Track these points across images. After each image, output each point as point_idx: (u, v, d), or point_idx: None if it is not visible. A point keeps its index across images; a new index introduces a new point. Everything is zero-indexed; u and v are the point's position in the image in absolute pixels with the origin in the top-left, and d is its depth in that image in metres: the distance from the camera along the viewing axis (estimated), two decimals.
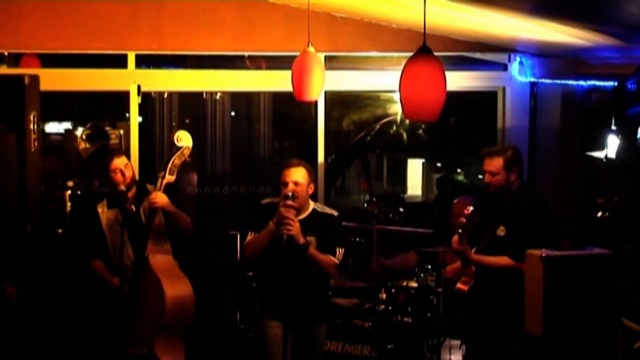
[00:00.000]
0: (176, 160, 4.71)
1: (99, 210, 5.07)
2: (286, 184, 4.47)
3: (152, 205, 4.69)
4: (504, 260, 4.52)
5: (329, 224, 4.59)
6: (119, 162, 4.97)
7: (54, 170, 6.50)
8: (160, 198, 4.70)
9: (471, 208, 4.65)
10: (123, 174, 4.97)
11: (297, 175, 4.48)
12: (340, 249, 4.57)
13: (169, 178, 4.72)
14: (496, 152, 4.67)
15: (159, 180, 4.73)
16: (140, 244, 4.71)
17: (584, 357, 4.26)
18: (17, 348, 5.12)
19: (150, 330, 4.61)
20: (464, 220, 4.61)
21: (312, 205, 4.63)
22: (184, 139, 4.71)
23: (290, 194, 4.41)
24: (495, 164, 4.61)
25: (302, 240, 4.39)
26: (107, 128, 6.40)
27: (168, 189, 4.81)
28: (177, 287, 4.63)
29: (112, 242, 4.99)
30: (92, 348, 5.24)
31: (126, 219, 4.94)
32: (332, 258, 4.53)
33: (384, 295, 5.64)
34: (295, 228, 4.33)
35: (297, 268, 4.48)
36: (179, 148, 4.69)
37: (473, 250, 4.65)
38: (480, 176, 5.93)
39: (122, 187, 4.94)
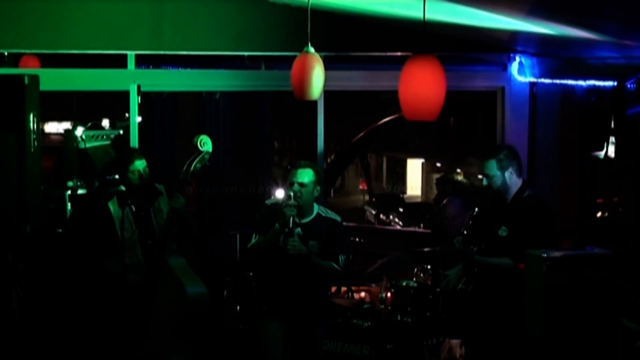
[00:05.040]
0: (198, 164, 4.75)
1: (111, 208, 5.09)
2: (292, 184, 4.49)
3: (176, 207, 4.72)
4: (505, 262, 4.52)
5: (332, 230, 4.59)
6: (140, 164, 4.98)
7: (53, 170, 6.51)
8: (183, 201, 4.76)
9: (477, 209, 4.66)
10: (141, 176, 4.98)
11: (304, 176, 4.50)
12: (342, 256, 4.58)
13: (191, 181, 4.79)
14: (489, 154, 4.67)
15: (183, 183, 4.77)
16: (159, 245, 4.74)
17: (584, 357, 4.26)
18: (17, 348, 5.13)
19: (166, 330, 4.62)
20: (470, 223, 4.62)
21: (316, 208, 4.63)
22: (207, 144, 4.75)
23: (292, 193, 4.42)
24: (489, 166, 4.62)
25: (303, 252, 4.42)
26: (107, 128, 6.41)
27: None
28: (196, 287, 4.64)
29: (123, 240, 5.00)
30: (99, 348, 5.25)
31: (137, 218, 4.96)
32: (334, 266, 4.54)
33: (384, 295, 5.64)
34: (296, 247, 4.38)
35: (297, 269, 4.49)
36: (201, 152, 4.73)
37: (474, 250, 4.66)
38: (479, 176, 5.93)
39: (137, 184, 4.95)
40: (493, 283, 4.61)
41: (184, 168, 4.71)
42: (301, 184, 4.47)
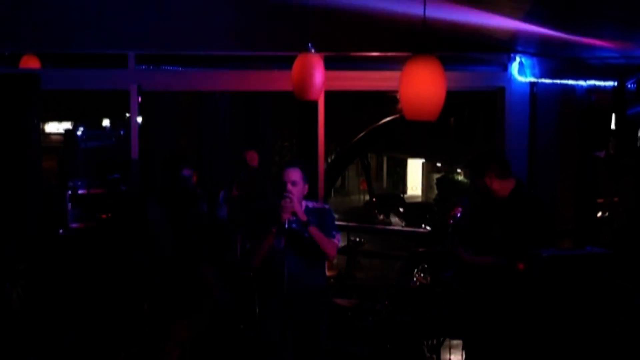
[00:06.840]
0: (244, 177, 4.91)
1: (151, 205, 5.16)
2: (285, 184, 4.54)
3: (215, 216, 4.84)
4: (496, 259, 4.53)
5: (323, 216, 4.68)
6: (186, 172, 5.10)
7: (54, 170, 6.52)
8: (223, 211, 4.92)
9: (459, 209, 4.68)
10: (184, 184, 5.08)
11: (294, 175, 4.57)
12: (337, 234, 4.66)
13: (234, 193, 4.96)
14: (467, 164, 4.76)
15: (230, 195, 4.91)
16: (192, 248, 4.81)
17: (583, 356, 4.27)
18: (18, 348, 5.14)
19: (185, 333, 4.68)
20: (451, 222, 4.66)
21: (304, 203, 4.70)
22: (255, 159, 4.91)
23: (285, 193, 4.48)
24: (469, 173, 4.68)
25: (304, 217, 4.47)
26: (107, 128, 6.42)
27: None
28: (223, 295, 4.73)
29: (157, 238, 5.06)
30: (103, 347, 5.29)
31: (173, 218, 5.02)
32: (333, 240, 4.61)
33: (384, 295, 5.65)
34: (294, 204, 4.43)
35: (297, 267, 4.51)
36: (249, 166, 4.87)
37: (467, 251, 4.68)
38: None
39: (178, 189, 5.03)
40: (486, 282, 4.62)
41: (234, 180, 4.85)
42: (293, 183, 4.54)
